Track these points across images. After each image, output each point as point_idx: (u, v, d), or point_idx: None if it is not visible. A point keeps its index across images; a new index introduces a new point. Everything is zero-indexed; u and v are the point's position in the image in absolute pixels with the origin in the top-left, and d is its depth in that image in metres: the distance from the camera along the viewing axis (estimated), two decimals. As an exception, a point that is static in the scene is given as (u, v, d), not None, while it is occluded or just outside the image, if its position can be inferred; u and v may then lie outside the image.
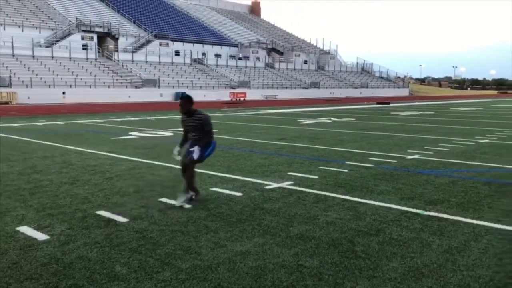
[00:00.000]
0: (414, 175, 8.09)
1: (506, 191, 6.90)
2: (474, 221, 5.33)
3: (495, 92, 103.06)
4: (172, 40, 54.30)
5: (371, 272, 3.89)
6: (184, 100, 6.50)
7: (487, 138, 13.74)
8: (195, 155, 6.11)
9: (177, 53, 53.06)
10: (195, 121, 6.31)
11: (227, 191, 6.70)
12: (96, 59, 45.25)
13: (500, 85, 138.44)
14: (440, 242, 4.61)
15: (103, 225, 5.15)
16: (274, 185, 7.14)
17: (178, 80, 45.84)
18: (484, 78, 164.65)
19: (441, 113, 26.62)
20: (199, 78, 48.99)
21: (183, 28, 61.35)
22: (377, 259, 4.17)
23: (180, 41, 55.71)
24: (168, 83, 44.44)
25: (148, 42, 51.67)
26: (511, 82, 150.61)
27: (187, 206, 5.91)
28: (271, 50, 68.07)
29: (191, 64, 52.99)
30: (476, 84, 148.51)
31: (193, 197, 6.15)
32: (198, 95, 42.36)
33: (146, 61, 48.49)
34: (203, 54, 56.65)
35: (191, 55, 53.85)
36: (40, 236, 4.77)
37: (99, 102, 35.83)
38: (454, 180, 7.63)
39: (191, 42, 57.14)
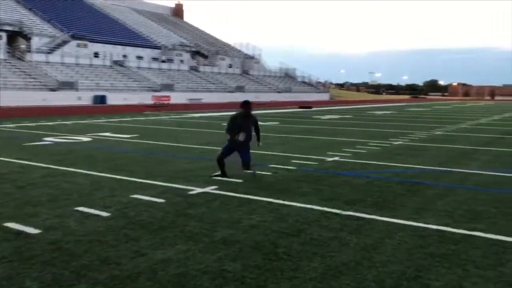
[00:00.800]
0: (334, 176, 8.40)
1: (418, 190, 7.37)
2: (389, 219, 5.62)
3: (407, 96, 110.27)
4: (90, 41, 52.01)
5: (292, 273, 3.96)
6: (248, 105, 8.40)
7: (400, 140, 14.62)
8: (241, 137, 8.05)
9: (96, 54, 50.92)
10: (251, 121, 8.40)
11: (148, 198, 6.51)
12: (5, 60, 42.17)
13: (412, 90, 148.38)
14: (358, 241, 4.81)
15: (12, 238, 4.78)
16: (198, 190, 7.06)
17: (97, 83, 44.00)
18: (398, 84, 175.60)
19: (359, 117, 27.96)
20: (120, 81, 47.40)
21: (102, 29, 59.02)
22: (299, 259, 4.26)
23: (100, 42, 53.51)
24: (87, 86, 42.49)
25: (64, 42, 49.05)
26: (421, 87, 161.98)
27: (106, 214, 5.66)
28: (195, 53, 67.59)
29: (111, 66, 51.12)
30: (390, 89, 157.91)
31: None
32: (118, 99, 40.97)
33: (63, 63, 45.99)
34: (124, 56, 54.91)
35: (111, 57, 51.97)
36: None
37: (9, 105, 33.41)
38: (370, 181, 8.01)
39: (112, 44, 55.11)
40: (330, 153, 11.32)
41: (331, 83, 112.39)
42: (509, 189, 7.49)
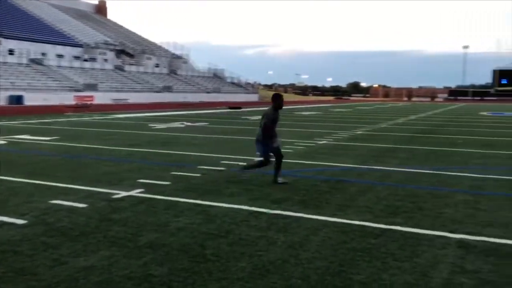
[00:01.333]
0: (262, 176, 8.47)
1: (341, 187, 7.65)
2: (314, 216, 5.78)
3: (332, 97, 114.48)
4: (4, 37, 48.62)
5: (220, 274, 3.94)
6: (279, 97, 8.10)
7: (325, 139, 15.12)
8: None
9: (11, 52, 47.72)
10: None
11: (70, 203, 6.19)
12: None
13: (336, 91, 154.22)
14: (285, 239, 4.90)
15: None
16: (123, 193, 6.83)
17: (12, 82, 41.22)
18: (323, 85, 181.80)
19: (286, 117, 28.54)
20: (38, 80, 44.77)
21: (18, 24, 55.39)
22: (226, 260, 4.25)
23: (15, 39, 50.22)
24: (1, 85, 39.67)
25: (-26, 38, 45.49)
26: (345, 88, 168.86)
27: (21, 222, 5.31)
28: (120, 52, 65.50)
29: (28, 64, 48.14)
30: (316, 90, 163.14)
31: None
32: (37, 99, 38.69)
33: (-27, 60, 42.62)
34: (43, 54, 51.98)
35: (28, 55, 48.93)
36: None
37: None
38: (297, 179, 8.21)
39: (28, 41, 51.91)
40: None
41: (260, 84, 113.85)
42: (424, 185, 8.00)
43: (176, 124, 20.95)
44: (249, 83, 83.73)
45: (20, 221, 5.33)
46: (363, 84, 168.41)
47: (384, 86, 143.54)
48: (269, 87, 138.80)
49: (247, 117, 27.36)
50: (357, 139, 15.62)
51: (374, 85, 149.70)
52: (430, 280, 3.91)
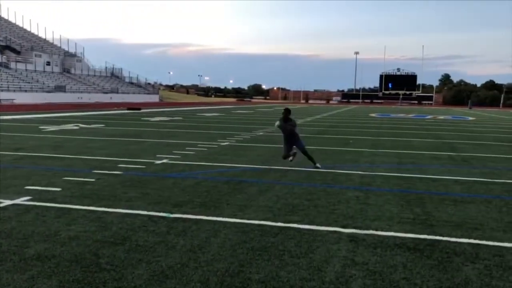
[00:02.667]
0: (162, 179, 8.32)
1: (242, 187, 7.75)
2: (215, 218, 5.78)
3: (234, 99, 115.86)
4: None
5: (115, 283, 3.77)
6: (288, 110, 10.53)
7: (227, 141, 15.24)
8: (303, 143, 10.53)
9: None
10: (291, 125, 10.40)
11: None
12: None
13: (238, 93, 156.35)
14: (184, 242, 4.83)
15: None
16: (7, 202, 6.26)
17: None
18: (225, 87, 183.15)
19: (189, 119, 28.31)
20: None
21: None
22: (122, 268, 4.09)
23: None
24: None
25: None
26: (246, 91, 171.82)
27: None
28: (5, 48, 60.11)
29: None
30: (219, 92, 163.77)
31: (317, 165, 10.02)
32: None
33: None
34: None
35: None
36: None
37: None
38: (198, 181, 8.16)
39: None
40: (159, 155, 11.19)
41: (161, 85, 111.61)
42: (318, 183, 8.40)
43: (70, 126, 19.74)
44: (149, 84, 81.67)
45: None
46: (264, 87, 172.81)
47: (283, 89, 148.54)
48: (170, 87, 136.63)
49: (148, 119, 26.64)
50: (257, 140, 15.96)
51: (274, 88, 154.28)
52: (324, 274, 4.11)
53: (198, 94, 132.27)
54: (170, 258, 4.36)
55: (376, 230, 5.48)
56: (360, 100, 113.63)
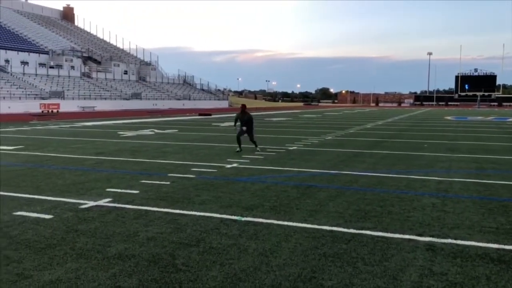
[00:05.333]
0: (233, 183, 8.47)
1: (311, 192, 7.70)
2: (285, 223, 5.79)
3: (301, 103, 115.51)
4: (-35, 44, 47.07)
5: (191, 284, 3.89)
6: (245, 106, 13.57)
7: (295, 145, 15.22)
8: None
9: (-28, 58, 46.18)
10: (247, 117, 13.16)
11: (35, 214, 6.01)
12: None
13: (305, 97, 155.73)
14: (256, 246, 4.88)
15: None
16: (90, 203, 6.68)
17: (-25, 90, 39.87)
18: (292, 91, 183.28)
19: (256, 124, 28.57)
20: (1, 88, 43.43)
21: (-20, 30, 53.72)
22: (197, 269, 4.20)
23: (-23, 46, 48.65)
24: (-38, 93, 38.31)
25: None
26: (314, 95, 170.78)
27: (-17, 235, 5.11)
28: (87, 59, 64.32)
29: (-9, 71, 46.67)
30: (286, 96, 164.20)
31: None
32: (1, 107, 37.48)
33: None
34: (7, 61, 50.49)
35: (-9, 62, 47.43)
36: None
37: None
38: (268, 186, 8.21)
39: (-9, 47, 50.37)
40: (229, 159, 11.41)
41: (230, 91, 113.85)
42: (392, 188, 8.14)
43: (146, 132, 20.68)
44: (219, 90, 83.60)
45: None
46: (332, 90, 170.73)
47: (352, 92, 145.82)
48: (239, 93, 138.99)
49: (218, 124, 27.28)
50: (326, 145, 15.79)
51: (342, 91, 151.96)
52: (400, 283, 3.97)
53: (266, 99, 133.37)
54: (243, 261, 4.42)
55: (456, 239, 5.21)
56: (434, 103, 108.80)
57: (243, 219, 5.94)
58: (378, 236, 5.28)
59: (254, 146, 13.37)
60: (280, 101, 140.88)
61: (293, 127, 25.43)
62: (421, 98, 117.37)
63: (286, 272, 4.16)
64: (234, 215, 6.09)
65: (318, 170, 10.04)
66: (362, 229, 5.56)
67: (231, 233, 5.34)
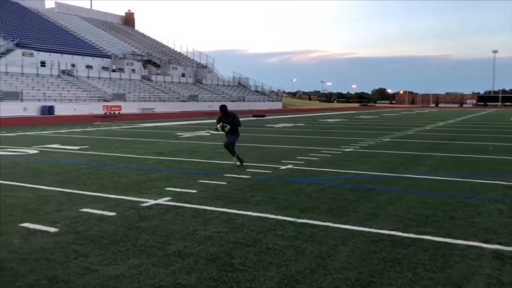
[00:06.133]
0: (288, 184, 8.46)
1: (369, 195, 7.54)
2: (342, 226, 5.71)
3: (357, 104, 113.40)
4: (37, 50, 50.14)
5: (248, 283, 3.92)
6: (224, 106, 11.08)
7: (351, 147, 14.96)
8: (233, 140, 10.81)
9: (43, 64, 49.08)
10: (230, 117, 10.81)
11: (99, 211, 6.29)
12: None
13: (361, 98, 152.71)
14: (313, 248, 4.84)
15: (-51, 259, 4.46)
16: (151, 202, 6.91)
17: (44, 93, 42.38)
18: (348, 92, 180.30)
19: (311, 125, 28.43)
20: (68, 91, 45.90)
21: (49, 37, 57.07)
22: (254, 269, 4.23)
23: (46, 51, 51.67)
24: (33, 96, 40.82)
25: (8, 51, 47.01)
26: (370, 95, 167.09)
27: (53, 230, 5.42)
28: (147, 62, 66.59)
29: (59, 75, 49.43)
30: (341, 97, 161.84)
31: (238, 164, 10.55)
32: (67, 109, 39.61)
33: (7, 72, 44.04)
34: (73, 65, 53.27)
35: (59, 66, 50.25)
36: None
37: None
38: (323, 188, 8.13)
39: (59, 53, 53.33)
40: (284, 161, 11.41)
41: (284, 92, 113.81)
42: (454, 193, 7.81)
43: (202, 133, 21.11)
44: (273, 91, 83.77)
45: (52, 229, 5.45)
46: (389, 91, 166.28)
47: (411, 93, 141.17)
48: (293, 94, 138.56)
49: (272, 125, 27.35)
50: (384, 146, 15.40)
51: (400, 92, 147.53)
52: (464, 292, 3.79)
53: (320, 100, 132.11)
54: (299, 263, 4.40)
55: (525, 247, 4.91)
56: (500, 103, 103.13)
57: (299, 220, 5.91)
58: (440, 242, 5.08)
59: (236, 159, 10.75)
60: (335, 102, 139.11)
61: (349, 129, 25.02)
62: (484, 99, 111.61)
63: (343, 276, 4.10)
64: (290, 217, 6.08)
65: (375, 173, 9.81)
66: (422, 234, 5.37)
67: (287, 234, 5.33)
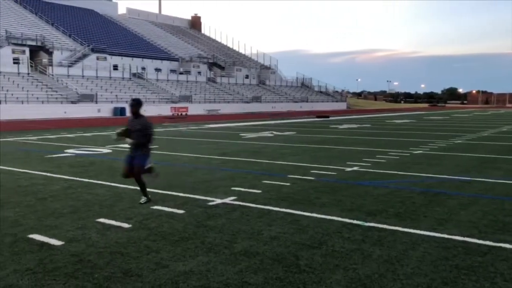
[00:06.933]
0: (354, 186, 8.31)
1: (440, 199, 7.23)
2: (411, 230, 5.52)
3: (426, 105, 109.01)
4: (110, 54, 52.92)
5: (315, 285, 3.90)
6: (135, 102, 7.10)
7: (420, 149, 14.42)
8: (146, 163, 7.11)
9: (115, 67, 51.74)
10: (139, 123, 7.05)
11: (169, 209, 6.53)
12: (28, 74, 43.16)
13: (430, 98, 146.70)
14: (380, 252, 4.73)
15: (36, 249, 4.83)
16: (217, 201, 7.06)
17: (116, 95, 44.64)
18: (416, 92, 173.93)
19: (378, 126, 27.71)
20: (138, 93, 48.00)
21: (121, 42, 60.04)
22: (321, 272, 4.20)
23: (119, 55, 54.40)
24: (106, 98, 43.14)
25: (84, 56, 50.03)
26: (440, 95, 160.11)
27: (127, 226, 5.70)
28: (212, 65, 68.15)
29: (130, 78, 51.86)
30: (408, 97, 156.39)
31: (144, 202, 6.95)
32: (138, 110, 41.43)
33: (83, 76, 46.86)
34: (143, 68, 55.67)
35: (130, 70, 52.72)
36: (-37, 265, 4.39)
37: (32, 118, 34.10)
38: (391, 191, 7.90)
39: (130, 56, 55.96)
40: (349, 163, 11.22)
41: (348, 92, 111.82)
42: (535, 198, 7.30)
43: (265, 134, 21.25)
44: (337, 91, 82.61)
45: (126, 225, 5.73)
46: (460, 90, 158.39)
47: (484, 92, 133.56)
48: (358, 94, 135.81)
49: (336, 126, 26.98)
50: (454, 149, 14.70)
51: (473, 91, 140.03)
52: (548, 305, 3.54)
53: (386, 101, 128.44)
54: (367, 267, 4.31)
55: None
56: None
57: (366, 224, 5.79)
58: (520, 251, 4.77)
59: (141, 192, 7.07)
60: (402, 102, 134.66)
61: (418, 130, 24.12)
62: None
63: (414, 282, 3.97)
64: (356, 220, 5.97)
65: (447, 176, 9.39)
66: (500, 241, 5.07)
67: (354, 237, 5.24)
